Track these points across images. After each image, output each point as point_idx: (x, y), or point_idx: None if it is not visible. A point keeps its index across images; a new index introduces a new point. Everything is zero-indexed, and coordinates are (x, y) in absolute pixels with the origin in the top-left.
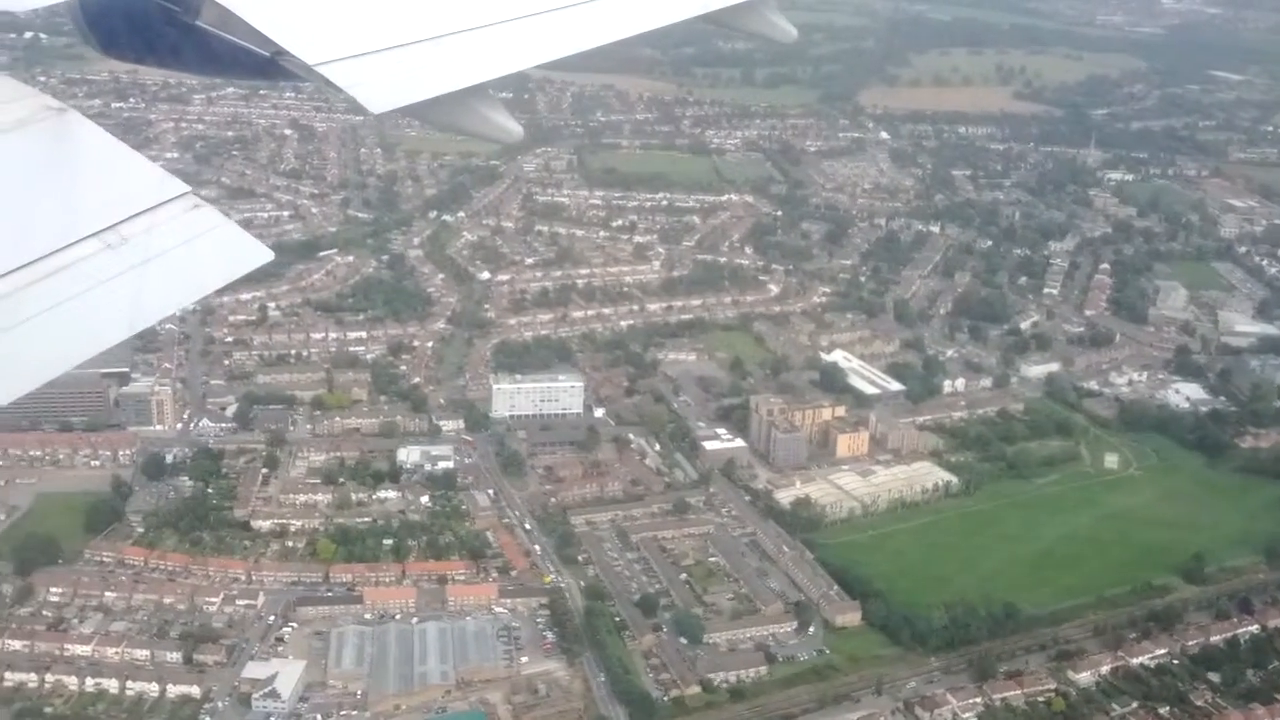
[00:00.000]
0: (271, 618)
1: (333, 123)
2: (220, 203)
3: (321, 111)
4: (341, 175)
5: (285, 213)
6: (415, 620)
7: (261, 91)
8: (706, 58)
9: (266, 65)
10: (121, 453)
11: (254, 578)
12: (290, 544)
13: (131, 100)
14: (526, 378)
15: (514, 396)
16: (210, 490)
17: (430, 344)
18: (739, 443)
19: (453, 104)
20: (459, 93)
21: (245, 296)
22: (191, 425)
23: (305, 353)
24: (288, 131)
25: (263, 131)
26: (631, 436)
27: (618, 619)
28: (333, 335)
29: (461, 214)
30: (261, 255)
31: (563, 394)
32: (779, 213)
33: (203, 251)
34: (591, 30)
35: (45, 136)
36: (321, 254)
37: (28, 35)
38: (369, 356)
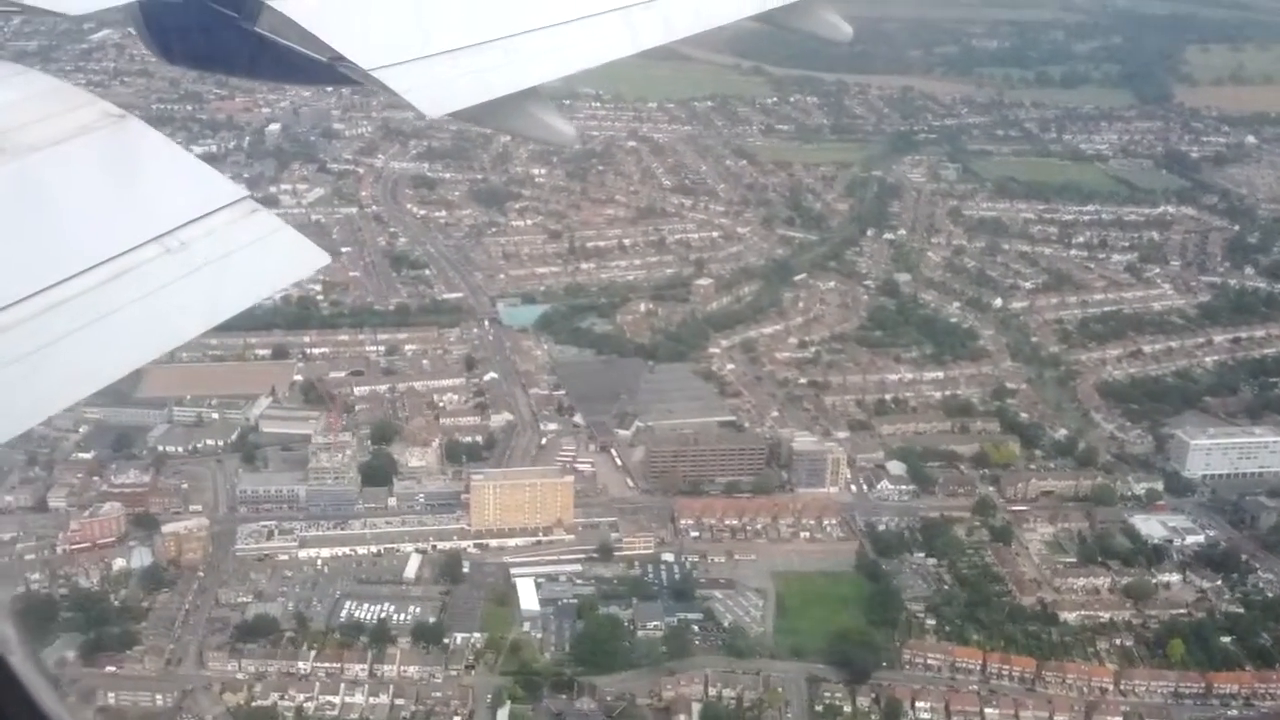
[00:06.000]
0: None
1: (668, 134)
2: (635, 223)
3: (648, 122)
4: (731, 190)
5: (714, 233)
6: None
7: (566, 101)
8: (981, 58)
9: (324, 70)
10: (826, 522)
11: (1124, 687)
12: (1120, 641)
13: None
14: (1219, 432)
15: (1209, 454)
16: (965, 570)
17: (1023, 385)
18: None
19: (506, 107)
20: (513, 95)
21: (769, 330)
22: (868, 488)
23: (900, 396)
24: (632, 143)
25: (609, 143)
26: None
27: None
28: (907, 376)
29: (902, 231)
30: (318, 259)
31: (1262, 450)
32: (1235, 227)
33: (262, 255)
34: (644, 32)
35: (106, 143)
36: (795, 278)
37: None
38: (973, 400)
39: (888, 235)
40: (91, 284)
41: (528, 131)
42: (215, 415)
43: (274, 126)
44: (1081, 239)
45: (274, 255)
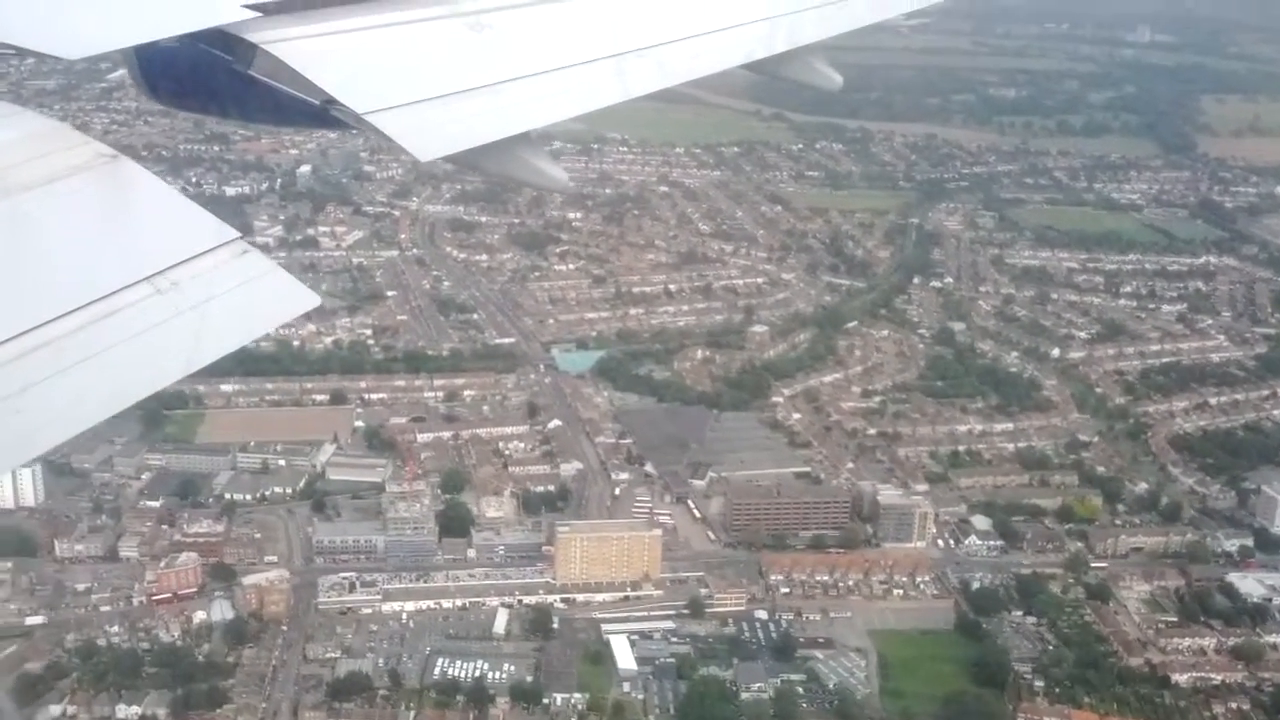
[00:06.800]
0: None
1: (699, 179)
2: (679, 269)
3: (677, 167)
4: (770, 236)
5: (759, 279)
6: None
7: (594, 145)
8: (1000, 106)
9: (317, 114)
10: (918, 578)
11: None
12: (1237, 705)
13: None
14: None
15: None
16: (1066, 630)
17: (1095, 438)
18: None
19: (500, 152)
20: (506, 140)
21: (829, 379)
22: (954, 543)
23: (973, 448)
24: (664, 188)
25: (641, 188)
26: None
27: None
28: (977, 427)
29: (948, 279)
30: (308, 300)
31: None
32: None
33: (252, 296)
34: (635, 79)
35: (99, 183)
36: (848, 326)
37: None
38: (1047, 452)
39: (934, 283)
40: (81, 323)
41: (521, 176)
42: (281, 461)
43: (305, 168)
44: (1129, 289)
45: (265, 296)
